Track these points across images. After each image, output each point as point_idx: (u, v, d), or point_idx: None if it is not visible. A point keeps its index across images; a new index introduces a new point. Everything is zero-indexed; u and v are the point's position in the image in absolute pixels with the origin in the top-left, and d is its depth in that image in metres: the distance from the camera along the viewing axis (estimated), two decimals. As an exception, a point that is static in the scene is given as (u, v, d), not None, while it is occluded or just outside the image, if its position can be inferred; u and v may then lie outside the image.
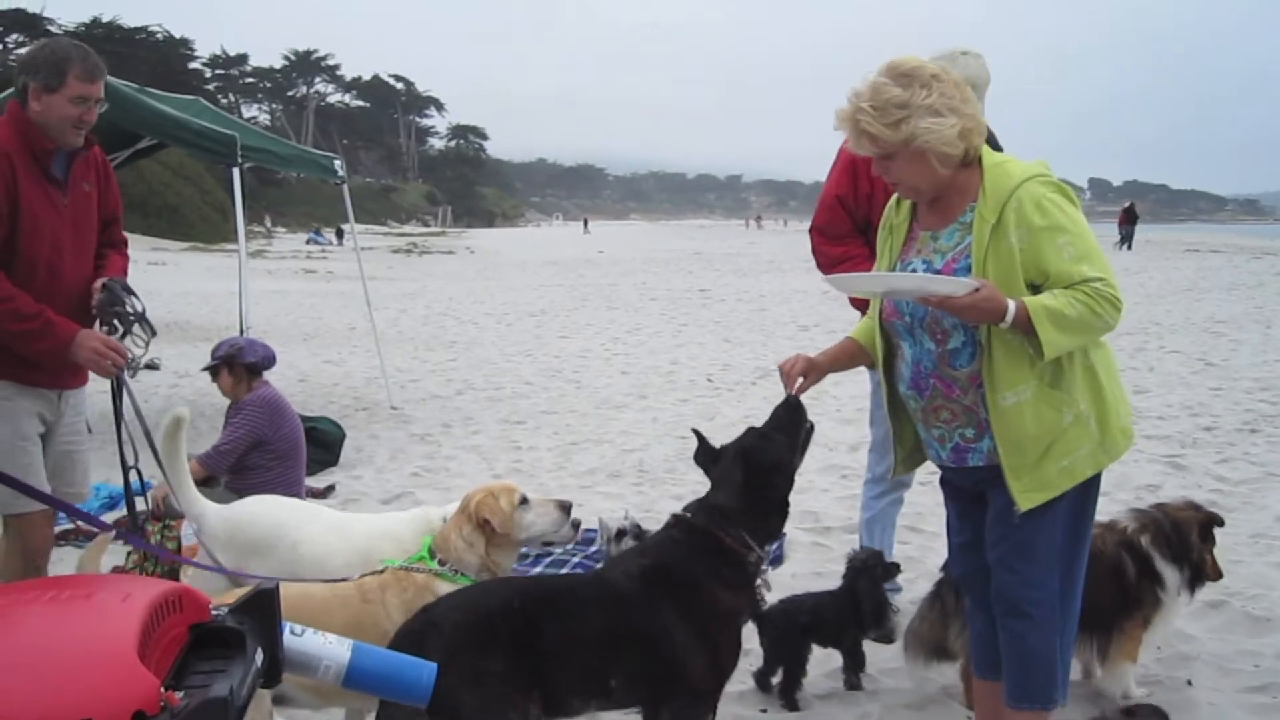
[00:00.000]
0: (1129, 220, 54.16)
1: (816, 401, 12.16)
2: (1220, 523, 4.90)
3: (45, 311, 4.44)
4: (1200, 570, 4.75)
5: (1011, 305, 3.42)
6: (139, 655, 1.93)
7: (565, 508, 4.21)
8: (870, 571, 5.05)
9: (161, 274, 33.97)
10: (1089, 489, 3.75)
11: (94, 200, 4.87)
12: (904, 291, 3.71)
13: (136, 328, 4.80)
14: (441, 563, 4.03)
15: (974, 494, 3.92)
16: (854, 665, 5.07)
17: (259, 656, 2.29)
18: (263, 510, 5.00)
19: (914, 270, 3.76)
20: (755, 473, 3.77)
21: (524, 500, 4.13)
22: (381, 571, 4.13)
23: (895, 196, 3.95)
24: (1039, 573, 3.75)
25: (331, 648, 2.54)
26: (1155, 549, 4.67)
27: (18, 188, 4.44)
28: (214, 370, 7.57)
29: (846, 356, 4.13)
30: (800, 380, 3.96)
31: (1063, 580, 3.79)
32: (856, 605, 4.98)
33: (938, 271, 3.67)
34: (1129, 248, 50.76)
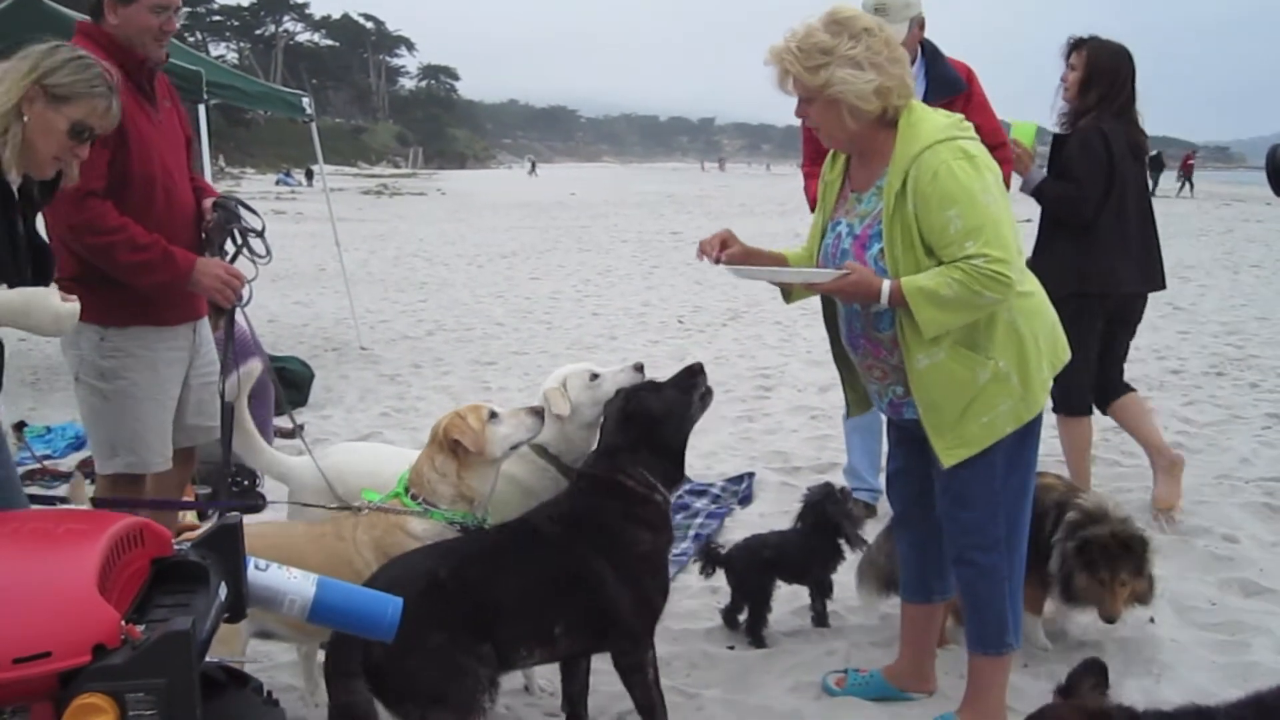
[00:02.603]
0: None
1: (787, 342, 12.22)
2: (1135, 548, 4.42)
3: (159, 240, 4.19)
4: (1073, 590, 4.44)
5: (885, 286, 3.50)
6: (99, 589, 1.92)
7: (537, 413, 4.12)
8: (833, 497, 5.04)
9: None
10: (1026, 436, 3.75)
11: (175, 117, 4.62)
12: (782, 279, 4.03)
13: (256, 244, 4.66)
14: (415, 498, 3.98)
15: (912, 432, 3.96)
16: (821, 602, 5.09)
17: (222, 591, 2.28)
18: (356, 459, 4.73)
19: (839, 231, 3.80)
20: (637, 416, 3.91)
21: (493, 415, 4.06)
22: (360, 510, 4.11)
23: (831, 152, 3.97)
24: (980, 520, 3.80)
25: (296, 583, 2.53)
26: (1063, 532, 4.50)
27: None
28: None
29: (765, 258, 4.11)
30: (719, 249, 3.94)
31: (1007, 526, 3.82)
32: (834, 533, 4.97)
33: (856, 235, 3.71)
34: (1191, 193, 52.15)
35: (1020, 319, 3.65)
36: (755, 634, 4.92)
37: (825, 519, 4.98)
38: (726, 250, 3.92)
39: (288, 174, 67.03)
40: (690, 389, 4.02)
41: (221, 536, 2.36)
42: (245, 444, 4.61)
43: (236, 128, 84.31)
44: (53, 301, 3.51)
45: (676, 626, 4.99)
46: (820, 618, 5.09)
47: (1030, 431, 3.76)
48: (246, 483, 6.72)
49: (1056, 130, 6.22)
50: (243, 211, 4.62)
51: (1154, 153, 57.66)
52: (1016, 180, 5.93)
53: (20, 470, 5.49)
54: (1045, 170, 6.12)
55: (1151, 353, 11.32)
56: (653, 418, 3.91)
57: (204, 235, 4.54)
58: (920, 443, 3.83)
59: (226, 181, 60.71)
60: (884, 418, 4.38)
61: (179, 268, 4.22)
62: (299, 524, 4.25)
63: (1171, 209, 39.95)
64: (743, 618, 4.99)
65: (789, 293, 4.19)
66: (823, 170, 4.04)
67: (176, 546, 2.31)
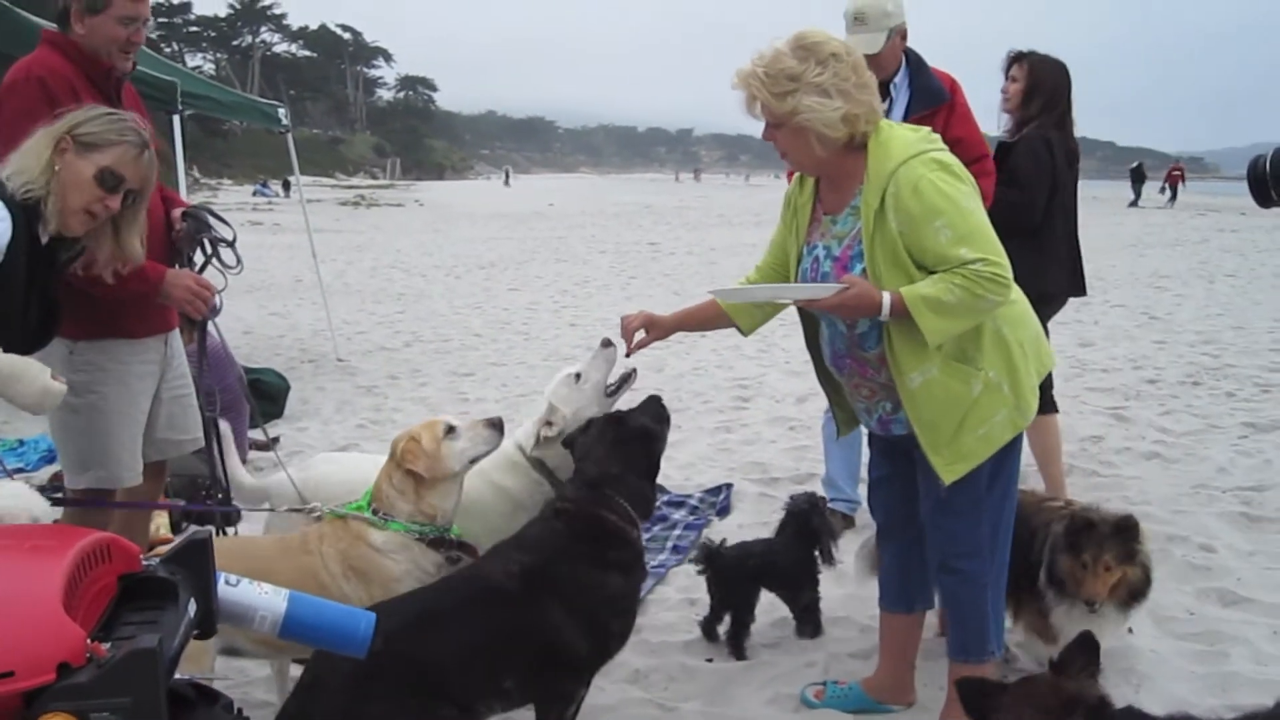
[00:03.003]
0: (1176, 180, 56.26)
1: (765, 353, 12.21)
2: (1124, 529, 4.20)
3: None
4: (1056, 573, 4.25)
5: (886, 298, 3.45)
6: (64, 606, 1.88)
7: (496, 424, 4.06)
8: (818, 509, 5.08)
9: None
10: (1010, 444, 3.75)
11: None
12: (783, 299, 3.94)
13: (227, 254, 4.58)
14: (375, 511, 3.95)
15: (895, 443, 3.96)
16: (802, 610, 5.08)
17: (192, 607, 2.24)
18: (336, 469, 4.72)
19: (816, 254, 3.78)
20: (624, 434, 3.88)
21: (450, 429, 4.01)
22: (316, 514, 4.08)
23: (797, 176, 3.96)
24: (965, 528, 3.80)
25: (267, 598, 2.50)
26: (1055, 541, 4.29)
27: None
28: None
29: (701, 319, 4.23)
30: (639, 335, 4.14)
31: (990, 533, 3.83)
32: (813, 544, 5.00)
33: (836, 258, 3.69)
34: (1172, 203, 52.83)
35: (1005, 327, 3.65)
36: (737, 644, 4.89)
37: (808, 529, 4.99)
38: (645, 340, 4.20)
39: (264, 185, 66.79)
40: (662, 419, 4.04)
41: (191, 551, 2.32)
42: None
43: (213, 138, 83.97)
44: (44, 378, 3.51)
45: (655, 639, 4.97)
46: (806, 627, 5.06)
47: (1013, 440, 3.75)
48: (220, 496, 6.63)
49: (1001, 138, 6.39)
50: (213, 221, 4.55)
51: (1135, 164, 58.34)
52: None
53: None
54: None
55: (1128, 362, 11.35)
56: (651, 437, 3.90)
57: (174, 245, 4.46)
58: (904, 451, 3.83)
59: (203, 193, 60.38)
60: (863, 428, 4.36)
61: (149, 279, 4.12)
62: (268, 538, 4.22)
63: (1148, 219, 40.32)
64: (722, 629, 4.96)
65: (746, 325, 4.18)
66: (789, 194, 4.02)
67: (145, 562, 2.28)
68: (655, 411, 4.05)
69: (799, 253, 3.89)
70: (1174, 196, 53.94)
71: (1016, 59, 6.33)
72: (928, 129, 3.71)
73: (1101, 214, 44.29)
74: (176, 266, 4.44)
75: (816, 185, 3.87)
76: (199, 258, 4.52)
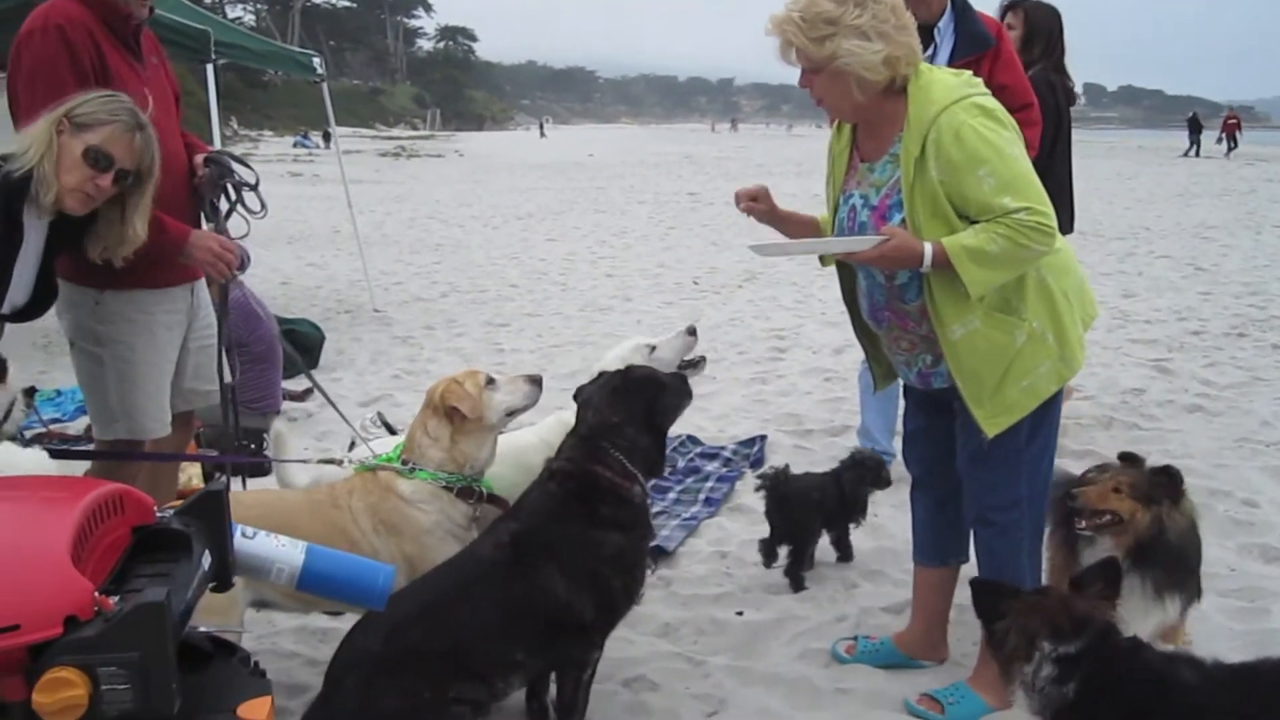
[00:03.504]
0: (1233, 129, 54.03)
1: (802, 304, 12.12)
2: (1139, 461, 4.01)
3: (153, 211, 3.93)
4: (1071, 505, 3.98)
5: (928, 249, 3.37)
6: (72, 559, 1.86)
7: (535, 380, 4.06)
8: (861, 466, 5.13)
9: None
10: (1052, 396, 3.68)
11: (163, 74, 4.44)
12: (820, 251, 3.88)
13: (251, 199, 4.54)
14: (405, 462, 3.93)
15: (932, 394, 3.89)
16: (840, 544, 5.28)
17: (206, 559, 2.22)
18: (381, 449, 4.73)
19: (853, 203, 3.69)
20: (631, 382, 3.77)
21: (490, 381, 3.99)
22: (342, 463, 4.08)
23: (836, 123, 3.85)
24: (1001, 480, 3.73)
25: (284, 550, 2.48)
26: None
27: (104, 60, 3.98)
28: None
29: (801, 225, 4.03)
30: (752, 202, 3.93)
31: (1028, 486, 3.76)
32: (840, 494, 5.11)
33: (874, 207, 3.60)
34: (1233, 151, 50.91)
35: (1050, 276, 3.57)
36: (795, 575, 5.00)
37: (872, 477, 5.13)
38: (754, 207, 3.89)
39: (305, 136, 66.72)
40: (682, 382, 3.96)
41: (206, 503, 2.30)
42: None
43: (254, 89, 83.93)
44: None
45: (685, 592, 4.95)
46: (843, 555, 5.26)
47: (1055, 392, 3.68)
48: (253, 446, 6.64)
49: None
50: (235, 165, 4.49)
51: (1191, 114, 56.86)
52: None
53: (28, 434, 5.45)
54: None
55: (1172, 314, 11.20)
56: (656, 384, 3.78)
57: (196, 191, 4.41)
58: (942, 403, 3.76)
59: (243, 144, 60.60)
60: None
61: (171, 238, 4.06)
62: (295, 492, 4.20)
63: (1195, 169, 39.74)
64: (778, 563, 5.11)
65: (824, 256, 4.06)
66: (830, 141, 3.92)
67: (159, 514, 2.25)
68: (674, 378, 3.97)
69: (835, 201, 3.81)
70: (1234, 146, 51.85)
71: (1011, 7, 6.53)
72: (969, 73, 3.61)
73: (1149, 163, 43.78)
74: (201, 214, 4.40)
75: (854, 132, 3.77)
76: (224, 203, 4.46)
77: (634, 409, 3.72)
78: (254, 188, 4.49)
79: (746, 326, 11.03)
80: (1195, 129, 53.44)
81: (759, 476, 5.30)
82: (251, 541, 2.45)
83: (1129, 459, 4.00)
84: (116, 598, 1.87)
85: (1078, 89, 6.91)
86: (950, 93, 3.42)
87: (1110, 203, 25.10)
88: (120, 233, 3.75)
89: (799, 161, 44.09)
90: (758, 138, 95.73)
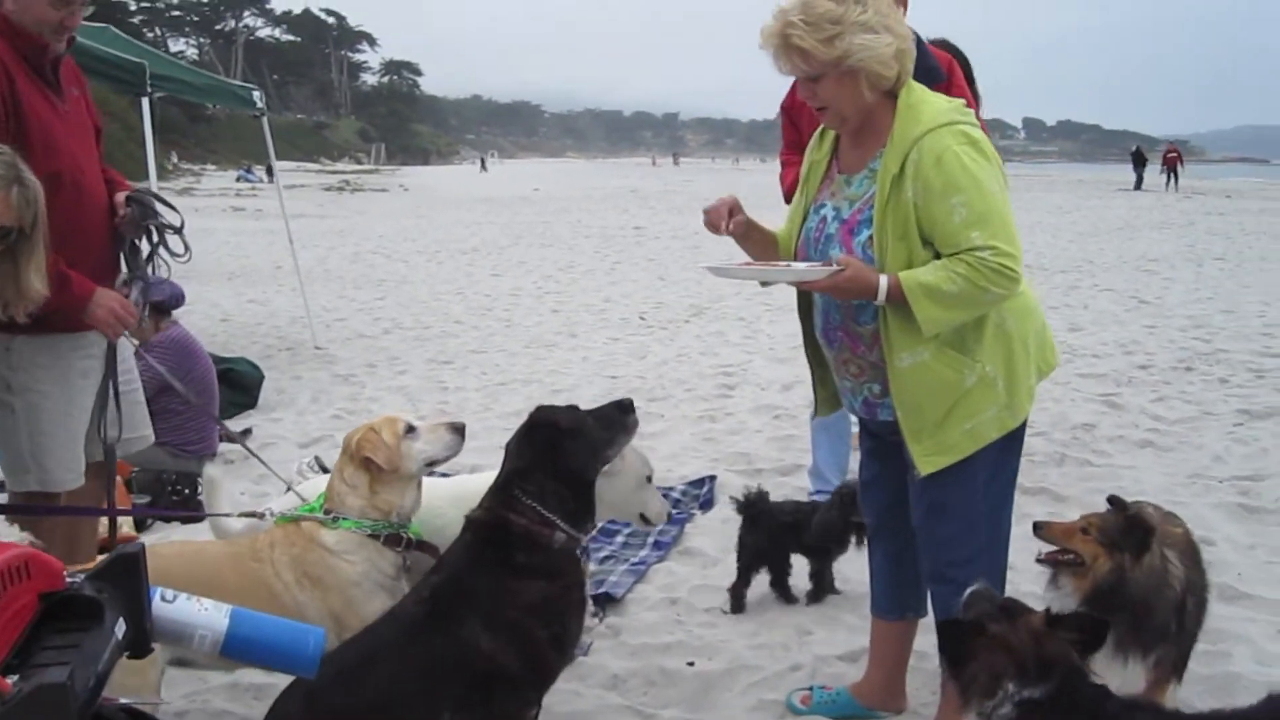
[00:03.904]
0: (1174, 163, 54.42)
1: (750, 339, 12.04)
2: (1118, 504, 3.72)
3: (56, 261, 3.71)
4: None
5: (883, 282, 3.25)
6: (-37, 634, 1.70)
7: (458, 429, 3.87)
8: (843, 497, 4.98)
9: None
10: (1009, 443, 3.55)
11: (84, 107, 4.23)
12: (774, 279, 3.72)
13: (175, 242, 4.32)
14: (327, 511, 3.76)
15: (883, 438, 3.75)
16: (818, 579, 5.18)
17: (120, 628, 2.06)
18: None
19: (824, 215, 3.57)
20: (539, 430, 3.54)
21: (410, 429, 3.81)
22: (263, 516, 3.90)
23: (818, 131, 3.73)
24: (958, 534, 3.58)
25: (207, 615, 2.32)
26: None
27: (17, 93, 3.78)
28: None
29: (761, 235, 3.83)
30: (728, 218, 3.67)
31: (986, 540, 3.62)
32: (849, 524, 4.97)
33: (843, 220, 3.48)
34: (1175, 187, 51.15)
35: (1011, 320, 3.45)
36: (784, 590, 5.13)
37: (848, 515, 4.92)
38: (734, 219, 3.66)
39: (249, 170, 66.34)
40: (610, 423, 3.66)
41: (120, 566, 2.14)
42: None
43: (197, 123, 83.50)
44: None
45: (634, 641, 4.77)
46: (817, 593, 5.17)
47: (1013, 439, 3.56)
48: (187, 491, 6.43)
49: None
50: (159, 206, 4.28)
51: (1135, 148, 57.43)
52: None
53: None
54: None
55: (1119, 347, 11.20)
56: (558, 431, 3.51)
57: (116, 231, 4.21)
58: (896, 449, 3.62)
59: (186, 178, 60.19)
60: (853, 419, 4.14)
61: (73, 295, 3.85)
62: (215, 544, 3.99)
63: (1135, 202, 40.33)
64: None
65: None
66: (808, 149, 3.79)
67: (69, 579, 2.09)
68: (608, 415, 3.69)
69: (805, 209, 3.68)
70: (1172, 180, 52.16)
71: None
72: (961, 100, 3.50)
73: (1089, 196, 44.32)
74: (120, 253, 4.21)
75: (836, 142, 3.65)
76: (145, 244, 4.26)
77: (539, 455, 3.51)
78: (178, 230, 4.28)
79: (694, 363, 10.91)
80: (1139, 162, 54.07)
81: (735, 499, 5.24)
82: (171, 606, 2.29)
83: (1117, 504, 3.80)
84: (15, 677, 1.71)
85: (1016, 123, 6.88)
86: (939, 116, 3.32)
87: (1054, 236, 25.35)
88: (15, 289, 3.49)
89: (744, 195, 44.00)
90: (702, 171, 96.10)
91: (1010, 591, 3.74)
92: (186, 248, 4.28)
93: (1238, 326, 12.54)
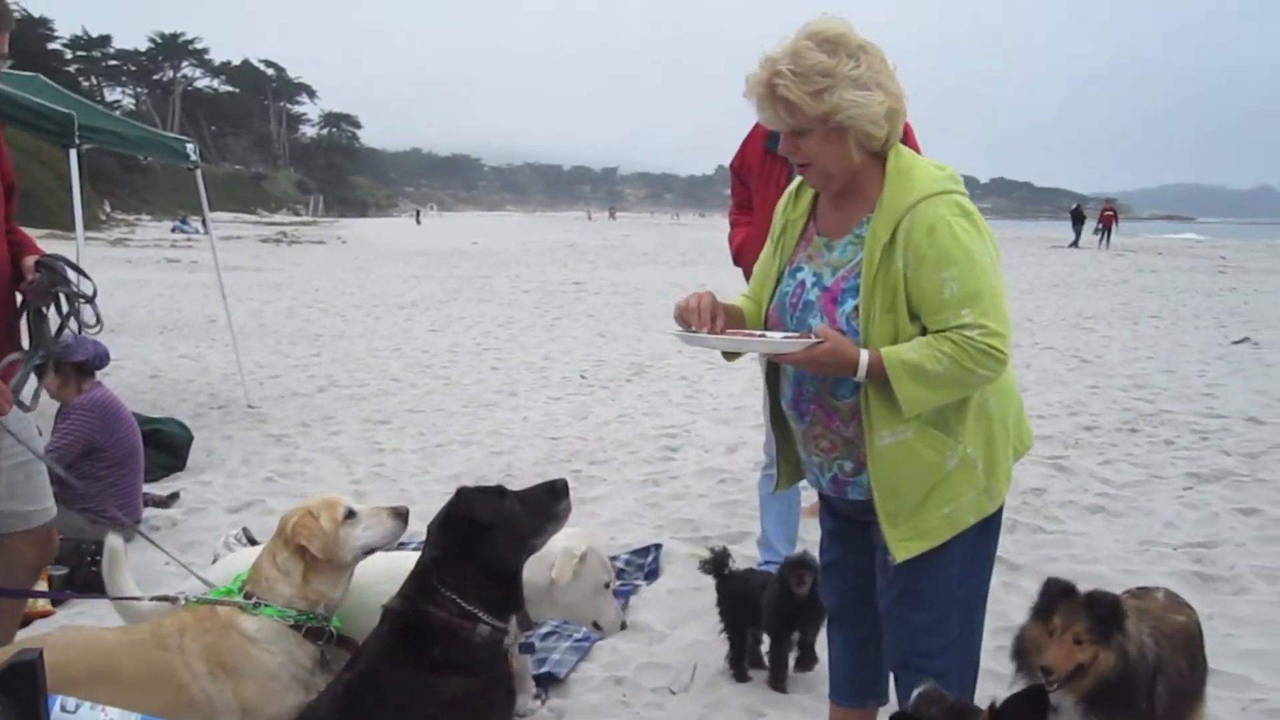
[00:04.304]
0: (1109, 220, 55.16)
1: (693, 399, 11.88)
2: (1101, 607, 3.40)
3: None
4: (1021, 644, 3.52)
5: (864, 358, 3.05)
6: None
7: (400, 514, 3.65)
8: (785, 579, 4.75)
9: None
10: (987, 528, 3.37)
11: None
12: (748, 350, 3.45)
13: (86, 312, 4.04)
14: (248, 595, 3.51)
15: (850, 519, 3.55)
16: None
17: (13, 748, 1.86)
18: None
19: (801, 279, 3.35)
20: (457, 520, 3.31)
21: (350, 514, 3.58)
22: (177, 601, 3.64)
23: (791, 189, 3.55)
24: (932, 623, 3.38)
25: (112, 727, 2.11)
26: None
27: None
28: (38, 370, 6.90)
29: (733, 319, 3.55)
30: (710, 320, 3.32)
31: (960, 629, 3.43)
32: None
33: (826, 288, 3.26)
34: (1107, 245, 52.08)
35: (992, 399, 3.27)
36: (738, 665, 4.97)
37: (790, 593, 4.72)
38: (715, 325, 3.32)
39: (184, 221, 65.60)
40: (539, 508, 3.42)
41: (14, 677, 1.93)
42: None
43: (132, 173, 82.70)
44: None
45: (578, 725, 4.55)
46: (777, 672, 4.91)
47: (990, 525, 3.37)
48: (107, 561, 6.10)
49: None
50: (71, 274, 4.02)
51: (1075, 206, 58.48)
52: None
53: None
54: None
55: (1064, 408, 11.14)
56: (475, 524, 3.28)
57: (21, 297, 3.96)
58: (863, 530, 3.44)
59: (120, 228, 59.50)
60: (803, 485, 3.92)
61: None
62: (112, 631, 3.69)
63: (1068, 259, 40.83)
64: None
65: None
66: (781, 205, 3.58)
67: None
68: (536, 497, 3.44)
69: (779, 273, 3.46)
70: (1105, 238, 53.25)
71: None
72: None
73: (1025, 253, 44.77)
74: (23, 320, 3.96)
75: (814, 202, 3.46)
76: (55, 315, 4.00)
77: (459, 545, 3.29)
78: (90, 300, 4.02)
79: (636, 424, 10.72)
80: (1078, 220, 54.86)
81: (703, 561, 5.15)
82: (73, 716, 2.09)
83: (1065, 591, 3.62)
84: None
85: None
86: (933, 184, 3.14)
87: (992, 293, 25.42)
88: None
89: (683, 250, 44.37)
90: (641, 225, 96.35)
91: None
92: (99, 319, 4.03)
93: (1179, 387, 12.55)
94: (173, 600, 3.62)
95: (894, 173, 3.17)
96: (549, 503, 3.44)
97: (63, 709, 2.07)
